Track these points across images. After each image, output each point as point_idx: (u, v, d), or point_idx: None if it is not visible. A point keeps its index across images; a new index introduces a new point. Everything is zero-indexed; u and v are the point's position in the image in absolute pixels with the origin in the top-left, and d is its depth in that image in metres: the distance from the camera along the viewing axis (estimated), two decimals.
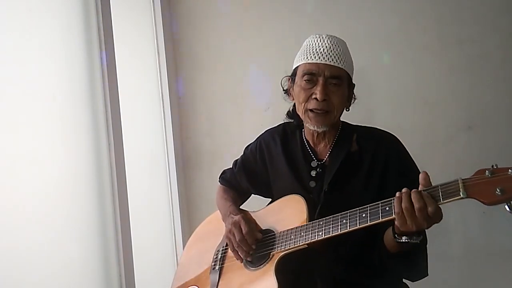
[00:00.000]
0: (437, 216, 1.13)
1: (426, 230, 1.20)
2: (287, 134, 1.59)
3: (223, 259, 1.51)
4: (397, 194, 1.17)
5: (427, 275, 1.33)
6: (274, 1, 2.34)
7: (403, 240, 1.19)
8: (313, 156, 1.51)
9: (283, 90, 1.56)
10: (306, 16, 2.28)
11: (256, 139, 1.68)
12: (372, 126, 1.54)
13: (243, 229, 1.43)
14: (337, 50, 1.42)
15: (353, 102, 1.51)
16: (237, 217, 1.47)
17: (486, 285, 2.08)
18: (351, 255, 1.37)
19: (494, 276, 2.05)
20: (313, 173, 1.48)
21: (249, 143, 1.70)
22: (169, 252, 2.31)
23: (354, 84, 1.50)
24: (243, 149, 1.71)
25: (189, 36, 2.46)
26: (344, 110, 1.49)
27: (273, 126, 1.66)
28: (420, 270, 1.32)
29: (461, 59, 2.11)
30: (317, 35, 1.46)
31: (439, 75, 2.14)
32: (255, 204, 1.66)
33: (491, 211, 2.05)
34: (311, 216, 1.35)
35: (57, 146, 1.60)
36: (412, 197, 1.13)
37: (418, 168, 1.42)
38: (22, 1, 1.52)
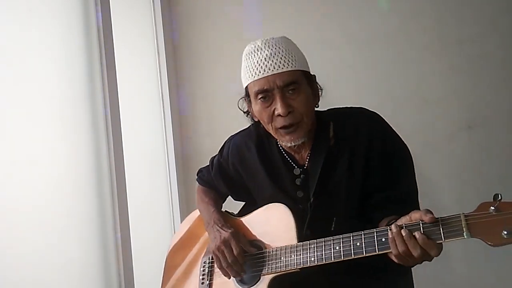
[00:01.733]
0: (440, 252, 1.07)
1: None
2: (262, 141, 1.44)
3: (211, 273, 1.44)
4: (389, 234, 1.09)
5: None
6: (274, 1, 2.34)
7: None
8: (293, 164, 1.39)
9: (244, 112, 1.44)
10: (306, 17, 2.28)
11: (228, 141, 1.57)
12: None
13: (234, 250, 1.32)
14: (279, 53, 1.27)
15: (321, 95, 1.37)
16: (226, 234, 1.35)
17: (486, 285, 2.08)
18: (350, 265, 1.26)
19: (494, 276, 2.05)
20: (297, 181, 1.36)
21: (223, 144, 1.60)
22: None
23: (314, 76, 1.36)
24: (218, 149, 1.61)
25: (189, 36, 2.46)
26: (315, 107, 1.36)
27: (244, 129, 1.54)
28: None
29: (461, 59, 2.11)
30: (253, 45, 1.31)
31: (439, 75, 2.14)
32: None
33: None
34: (300, 232, 1.27)
35: (56, 146, 1.59)
36: (405, 241, 1.06)
37: (407, 145, 1.35)
38: (22, 1, 1.52)
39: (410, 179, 1.33)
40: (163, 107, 2.39)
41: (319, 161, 1.33)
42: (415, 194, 1.32)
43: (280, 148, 1.41)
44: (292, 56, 1.28)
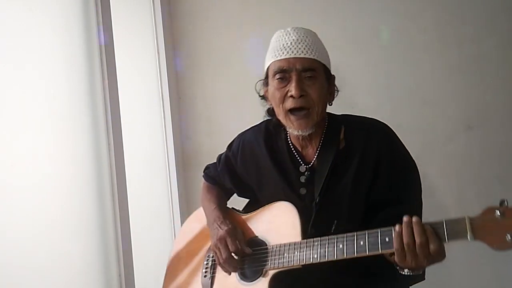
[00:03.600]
0: (439, 255, 1.08)
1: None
2: (271, 135, 1.47)
3: (213, 267, 1.46)
4: (397, 227, 1.09)
5: (424, 279, 1.28)
6: (274, 1, 2.34)
7: (405, 273, 1.14)
8: (300, 160, 1.41)
9: (259, 96, 1.45)
10: (305, 16, 2.28)
11: (238, 137, 1.58)
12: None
13: (229, 247, 1.35)
14: (306, 41, 1.32)
15: (336, 95, 1.41)
16: (223, 232, 1.38)
17: (486, 285, 2.08)
18: (350, 264, 1.26)
19: (493, 276, 2.05)
20: (302, 179, 1.38)
21: (232, 140, 1.60)
22: (169, 252, 2.30)
23: (334, 76, 1.40)
24: (227, 145, 1.63)
25: (189, 36, 2.46)
26: (328, 105, 1.39)
27: (255, 125, 1.55)
28: (417, 277, 1.25)
29: (461, 59, 2.11)
30: (283, 30, 1.36)
31: (439, 75, 2.14)
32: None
33: None
34: (304, 229, 1.28)
35: (57, 146, 1.59)
36: (414, 230, 1.07)
37: (413, 158, 1.37)
38: (22, 1, 1.52)
39: (416, 195, 1.34)
40: (163, 107, 2.40)
41: (327, 161, 1.35)
42: (420, 211, 1.32)
43: (289, 142, 1.43)
44: (316, 48, 1.32)
